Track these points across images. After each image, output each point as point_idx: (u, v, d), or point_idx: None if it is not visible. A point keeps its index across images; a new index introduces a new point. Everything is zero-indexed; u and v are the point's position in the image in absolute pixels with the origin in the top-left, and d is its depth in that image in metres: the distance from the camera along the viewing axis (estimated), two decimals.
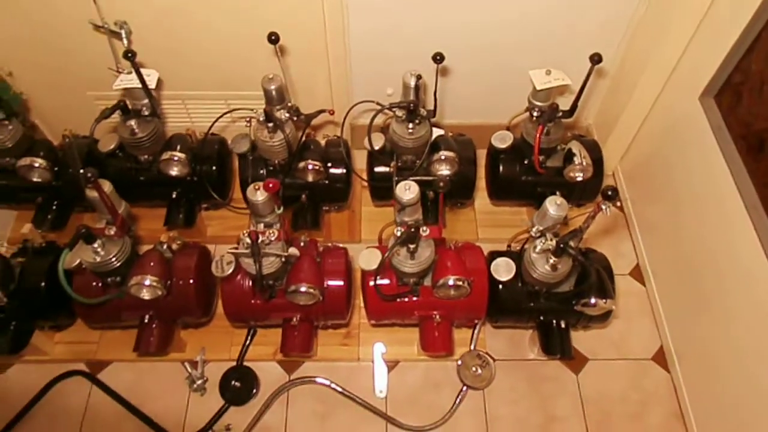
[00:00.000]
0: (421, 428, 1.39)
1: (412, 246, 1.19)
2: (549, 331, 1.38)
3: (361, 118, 1.67)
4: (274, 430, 1.39)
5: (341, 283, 1.30)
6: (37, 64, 1.54)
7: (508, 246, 1.39)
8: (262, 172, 1.48)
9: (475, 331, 1.49)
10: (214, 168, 1.50)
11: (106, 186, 1.19)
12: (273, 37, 1.24)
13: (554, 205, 1.22)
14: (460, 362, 1.45)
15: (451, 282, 1.24)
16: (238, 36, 1.48)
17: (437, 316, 1.33)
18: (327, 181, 1.49)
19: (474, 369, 1.44)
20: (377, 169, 1.51)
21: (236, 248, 1.19)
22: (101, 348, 1.48)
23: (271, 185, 1.06)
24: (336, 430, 1.40)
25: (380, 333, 1.51)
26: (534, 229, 1.28)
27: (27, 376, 1.45)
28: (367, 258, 1.29)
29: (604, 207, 1.09)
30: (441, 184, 1.08)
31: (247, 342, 1.47)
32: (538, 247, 1.24)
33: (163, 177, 1.47)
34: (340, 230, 1.67)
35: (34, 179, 1.43)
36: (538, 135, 1.37)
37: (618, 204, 1.06)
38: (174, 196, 1.52)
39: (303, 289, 1.23)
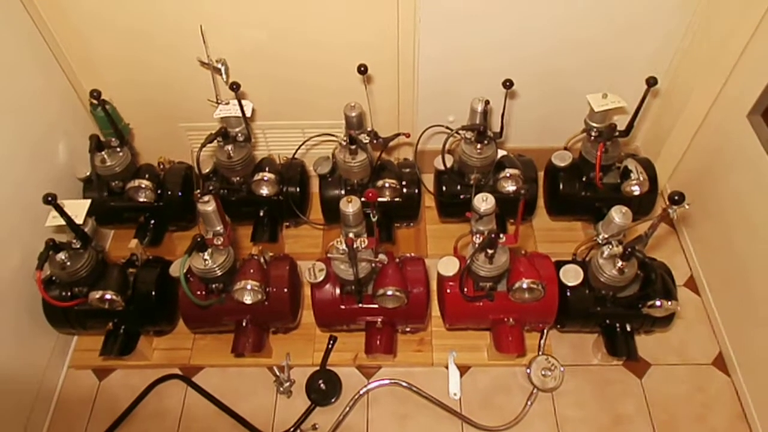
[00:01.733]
0: (496, 428, 1.47)
1: (490, 251, 1.31)
2: (614, 335, 1.47)
3: (428, 144, 1.81)
4: (357, 429, 1.49)
5: (422, 288, 1.41)
6: (138, 98, 1.72)
7: (574, 255, 1.49)
8: (341, 191, 1.62)
9: (543, 337, 1.58)
10: (297, 189, 1.65)
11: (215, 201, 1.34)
12: (362, 69, 1.40)
13: (620, 214, 1.33)
14: (529, 368, 1.54)
15: (525, 285, 1.35)
16: (318, 71, 1.65)
17: (510, 320, 1.43)
18: (400, 199, 1.62)
19: (543, 373, 1.52)
20: (446, 188, 1.64)
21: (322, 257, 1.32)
22: (194, 354, 1.61)
23: (371, 194, 1.20)
24: (415, 430, 1.49)
25: (451, 340, 1.61)
26: (600, 237, 1.39)
27: (128, 379, 1.58)
28: (445, 265, 1.41)
29: (671, 211, 1.20)
30: (522, 191, 1.20)
31: (330, 346, 1.59)
32: (605, 253, 1.35)
33: (252, 197, 1.63)
34: (408, 246, 1.80)
35: (141, 200, 1.59)
36: (599, 152, 1.50)
37: (686, 206, 1.16)
38: (261, 214, 1.67)
39: (390, 292, 1.35)
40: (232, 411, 1.51)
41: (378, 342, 1.45)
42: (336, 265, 1.34)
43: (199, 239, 1.29)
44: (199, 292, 1.42)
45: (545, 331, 1.59)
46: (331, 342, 1.60)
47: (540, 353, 1.57)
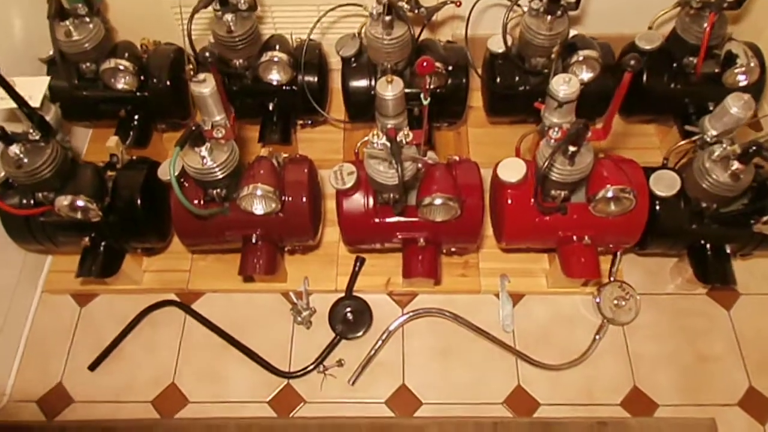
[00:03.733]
0: (557, 366, 1.23)
1: (573, 149, 1.01)
2: (707, 257, 1.20)
3: (475, 30, 1.45)
4: (391, 366, 1.25)
5: (478, 197, 1.13)
6: None
7: (665, 161, 1.20)
8: (369, 81, 1.30)
9: (616, 260, 1.31)
10: (316, 76, 1.33)
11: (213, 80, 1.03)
12: None
13: (739, 103, 1.04)
14: (599, 297, 1.27)
15: (611, 194, 1.06)
16: None
17: (585, 238, 1.15)
18: (444, 91, 1.30)
19: (616, 302, 1.27)
20: (501, 77, 1.32)
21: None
22: (193, 278, 1.34)
23: (425, 63, 0.88)
24: (460, 368, 1.24)
25: (502, 263, 1.34)
26: (709, 134, 1.10)
27: (114, 306, 1.32)
28: (508, 169, 1.12)
29: None
30: (632, 62, 0.88)
31: (357, 269, 1.32)
32: (716, 153, 1.06)
33: (258, 86, 1.31)
34: (445, 153, 1.49)
35: (119, 86, 1.27)
36: (708, 27, 1.17)
37: None
38: (270, 108, 1.35)
39: (439, 201, 1.06)
40: (240, 344, 1.26)
41: (419, 264, 1.17)
42: (371, 166, 1.04)
43: (194, 128, 0.99)
44: (196, 201, 1.13)
45: (619, 253, 1.32)
46: (358, 264, 1.33)
47: (612, 279, 1.30)
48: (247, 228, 1.16)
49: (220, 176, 1.06)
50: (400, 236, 1.17)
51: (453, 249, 1.25)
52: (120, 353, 1.27)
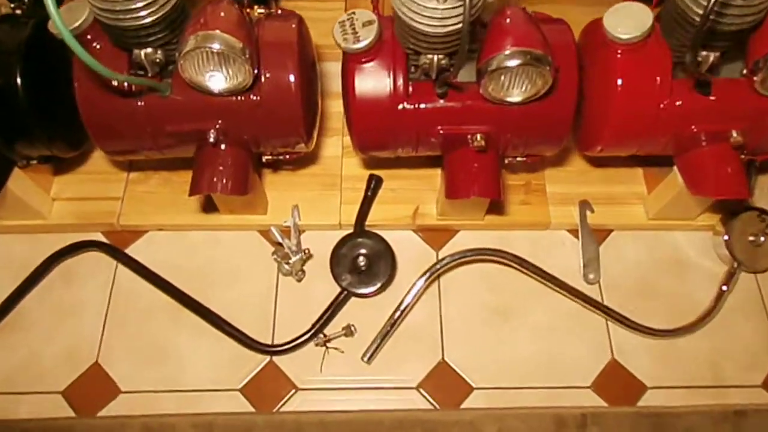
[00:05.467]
0: (668, 332, 0.84)
1: None
2: None
3: None
4: (424, 336, 0.84)
5: (573, 66, 0.70)
6: None
7: None
8: None
9: (751, 176, 0.91)
10: None
11: None
12: None
13: None
14: (728, 233, 0.87)
15: None
16: None
17: (733, 134, 0.74)
18: None
19: (753, 238, 0.87)
20: None
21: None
22: (127, 208, 0.91)
23: None
24: (526, 336, 0.85)
25: (577, 186, 0.93)
26: None
27: (7, 251, 0.89)
28: (622, 17, 0.70)
29: None
30: None
31: (370, 193, 0.90)
32: None
33: None
34: None
35: None
36: None
37: None
38: None
39: (516, 61, 0.63)
40: (199, 305, 0.85)
41: (474, 176, 0.75)
42: (402, 2, 0.61)
43: None
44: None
45: (756, 165, 0.91)
46: (373, 185, 0.91)
47: (745, 206, 0.90)
48: (201, 119, 0.72)
49: (148, 20, 0.63)
50: (443, 132, 0.74)
51: (521, 157, 0.82)
52: (16, 320, 0.85)
